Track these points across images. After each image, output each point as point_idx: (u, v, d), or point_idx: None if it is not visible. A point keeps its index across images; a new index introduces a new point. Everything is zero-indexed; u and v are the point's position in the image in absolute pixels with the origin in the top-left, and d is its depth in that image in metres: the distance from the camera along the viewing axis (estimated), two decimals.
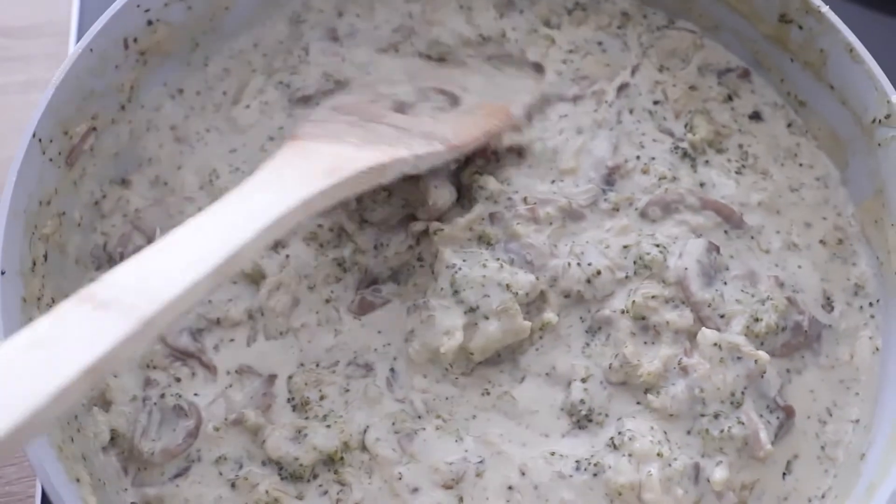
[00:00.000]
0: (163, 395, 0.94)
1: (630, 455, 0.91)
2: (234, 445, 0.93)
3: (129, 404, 0.94)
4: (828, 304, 1.01)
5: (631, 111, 1.09)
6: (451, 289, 0.96)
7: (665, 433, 0.93)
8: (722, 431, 0.91)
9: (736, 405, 0.93)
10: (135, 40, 1.02)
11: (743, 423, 0.92)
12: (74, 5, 1.28)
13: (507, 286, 0.95)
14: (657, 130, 1.09)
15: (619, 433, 0.92)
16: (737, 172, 1.06)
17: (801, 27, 1.05)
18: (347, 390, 0.96)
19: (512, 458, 0.92)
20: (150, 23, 1.03)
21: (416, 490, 0.91)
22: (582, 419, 0.94)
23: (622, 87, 1.10)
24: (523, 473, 0.92)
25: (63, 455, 0.84)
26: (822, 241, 1.04)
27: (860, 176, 1.03)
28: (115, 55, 1.01)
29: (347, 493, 0.91)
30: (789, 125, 1.10)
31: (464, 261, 0.97)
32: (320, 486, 0.92)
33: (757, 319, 0.96)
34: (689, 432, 0.93)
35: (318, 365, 0.97)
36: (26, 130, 0.92)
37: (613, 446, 0.92)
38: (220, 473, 0.92)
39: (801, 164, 1.08)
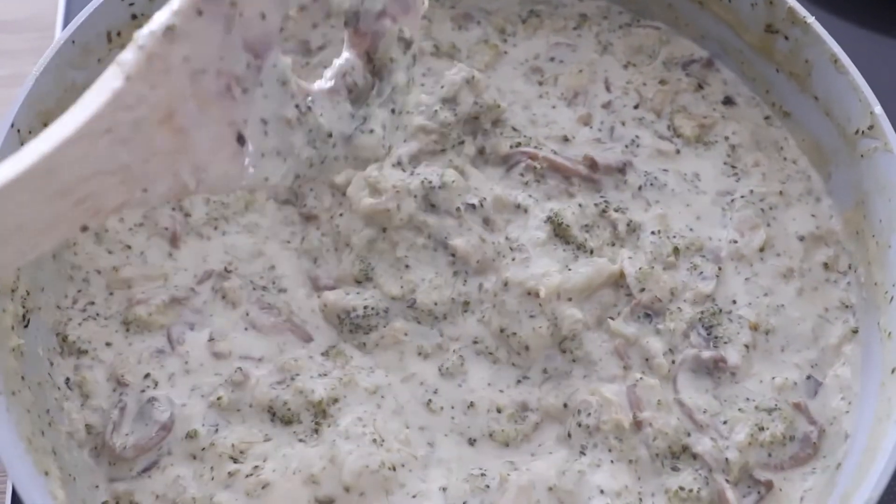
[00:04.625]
0: (142, 391, 0.94)
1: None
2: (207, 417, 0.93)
3: (105, 399, 0.93)
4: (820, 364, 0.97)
5: (623, 124, 1.10)
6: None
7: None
8: (691, 491, 0.90)
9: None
10: (118, 34, 1.02)
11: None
12: None
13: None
14: (657, 137, 1.09)
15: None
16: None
17: (786, 38, 1.05)
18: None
19: (448, 456, 0.92)
20: (134, 17, 1.02)
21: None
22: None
23: (606, 105, 1.11)
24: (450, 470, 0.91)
25: (32, 447, 0.83)
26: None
27: (842, 187, 1.03)
28: (98, 48, 1.00)
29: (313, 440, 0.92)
30: (766, 118, 1.11)
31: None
32: (293, 432, 0.92)
33: (762, 429, 0.93)
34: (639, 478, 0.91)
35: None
36: (4, 121, 0.91)
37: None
38: (193, 456, 0.91)
39: (785, 159, 1.08)
